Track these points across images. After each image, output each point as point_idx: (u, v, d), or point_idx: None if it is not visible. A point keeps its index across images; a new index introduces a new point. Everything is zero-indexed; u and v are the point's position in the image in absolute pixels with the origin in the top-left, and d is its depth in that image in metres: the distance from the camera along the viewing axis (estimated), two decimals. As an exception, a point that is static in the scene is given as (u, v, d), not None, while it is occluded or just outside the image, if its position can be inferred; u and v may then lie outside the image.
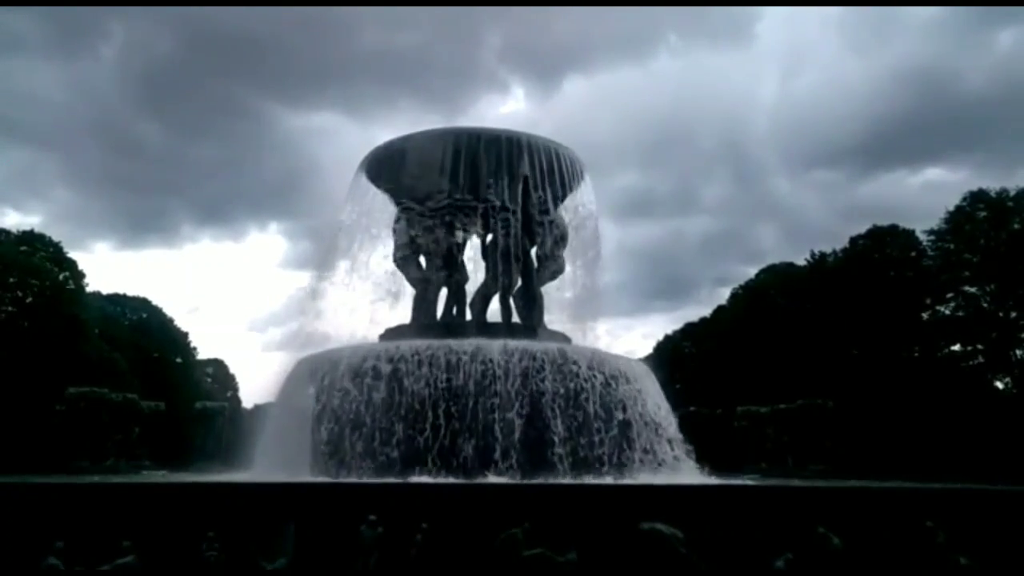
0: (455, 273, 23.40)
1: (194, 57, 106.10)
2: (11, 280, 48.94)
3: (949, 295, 48.27)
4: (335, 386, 18.95)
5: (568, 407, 18.53)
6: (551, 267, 23.58)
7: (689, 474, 20.32)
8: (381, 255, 23.91)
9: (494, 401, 17.93)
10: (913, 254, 52.23)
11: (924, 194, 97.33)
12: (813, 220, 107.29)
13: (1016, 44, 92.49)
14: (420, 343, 19.24)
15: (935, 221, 49.79)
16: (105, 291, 64.84)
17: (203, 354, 76.99)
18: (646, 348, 72.99)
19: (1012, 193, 46.58)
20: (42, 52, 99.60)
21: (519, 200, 22.49)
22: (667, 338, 74.08)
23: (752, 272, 67.06)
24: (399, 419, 17.99)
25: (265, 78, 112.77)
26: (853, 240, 54.89)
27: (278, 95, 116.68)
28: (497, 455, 17.39)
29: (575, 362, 19.13)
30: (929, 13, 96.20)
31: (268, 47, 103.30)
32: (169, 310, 70.07)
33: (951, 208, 48.75)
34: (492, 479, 16.60)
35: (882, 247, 53.28)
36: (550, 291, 23.99)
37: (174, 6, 78.49)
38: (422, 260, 23.46)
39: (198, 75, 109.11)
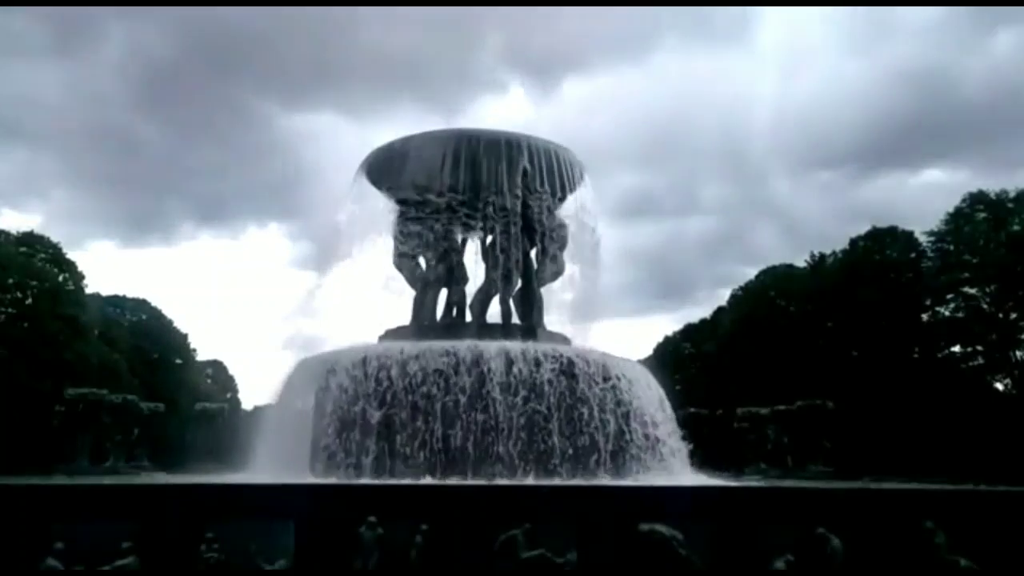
0: (455, 274, 23.41)
1: (193, 58, 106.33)
2: (10, 281, 48.95)
3: (949, 296, 48.30)
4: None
5: (569, 410, 18.43)
6: (551, 268, 23.59)
7: (688, 475, 20.29)
8: (381, 256, 23.94)
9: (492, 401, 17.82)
10: (913, 255, 52.27)
11: (923, 195, 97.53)
12: (812, 221, 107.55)
13: (1015, 45, 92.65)
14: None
15: (934, 222, 49.86)
16: (104, 292, 64.87)
17: (203, 355, 77.03)
18: (646, 349, 73.01)
19: (1012, 194, 46.63)
20: (41, 53, 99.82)
21: (519, 201, 22.50)
22: (667, 339, 74.12)
23: (751, 273, 67.13)
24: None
25: (263, 78, 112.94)
26: (853, 241, 54.96)
27: (276, 95, 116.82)
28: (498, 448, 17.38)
29: (576, 365, 19.02)
30: (928, 14, 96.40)
31: (266, 47, 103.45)
32: (169, 311, 70.08)
33: (951, 209, 48.77)
34: (492, 481, 16.58)
35: (882, 248, 53.34)
36: (552, 290, 23.98)
37: (173, 6, 78.55)
38: (422, 261, 23.48)
39: (197, 76, 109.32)
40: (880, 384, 46.36)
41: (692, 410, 39.53)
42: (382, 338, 22.49)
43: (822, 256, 58.65)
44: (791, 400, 36.92)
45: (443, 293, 23.57)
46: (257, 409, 32.98)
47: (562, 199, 23.95)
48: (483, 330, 21.62)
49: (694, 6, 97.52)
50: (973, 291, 47.19)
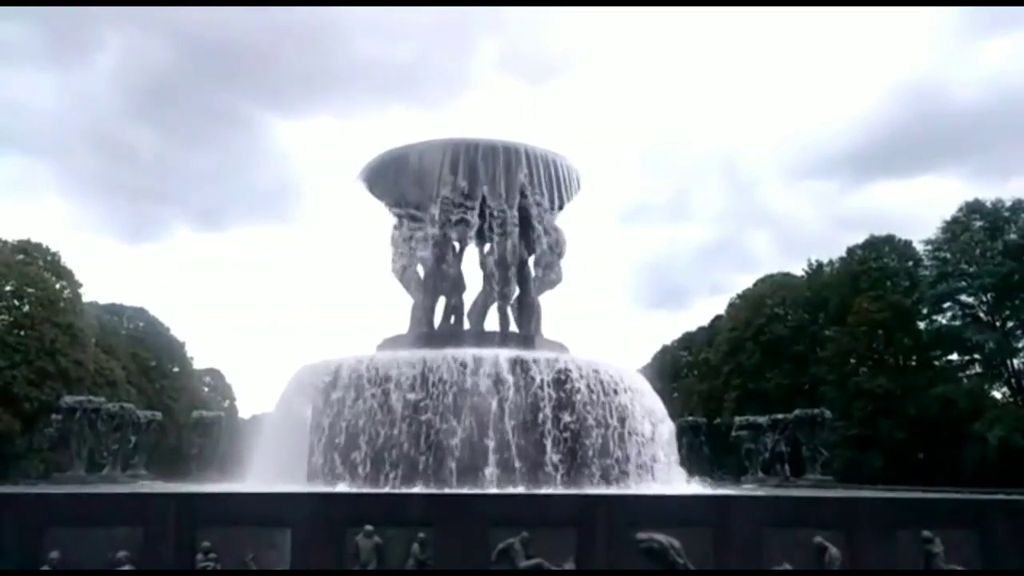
0: (453, 282, 23.39)
1: (188, 65, 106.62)
2: (7, 289, 48.90)
3: (946, 305, 48.42)
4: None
5: (565, 418, 18.38)
6: (549, 276, 23.61)
7: (686, 484, 20.24)
8: (379, 264, 23.98)
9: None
10: (910, 264, 52.42)
11: (918, 204, 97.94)
12: (807, 229, 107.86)
13: (1007, 54, 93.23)
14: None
15: (930, 231, 50.10)
16: (102, 299, 64.81)
17: (200, 363, 76.92)
18: (644, 357, 72.98)
19: (1008, 203, 46.86)
20: (37, 62, 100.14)
21: (517, 209, 22.55)
22: (665, 348, 74.14)
23: (747, 281, 67.21)
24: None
25: (259, 86, 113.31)
26: (850, 250, 55.14)
27: (272, 101, 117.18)
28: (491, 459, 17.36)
29: (572, 374, 18.97)
30: (922, 23, 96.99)
31: (261, 54, 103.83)
32: (166, 319, 70.00)
33: (947, 218, 48.99)
34: (489, 490, 16.52)
35: (879, 257, 53.51)
36: (549, 298, 24.03)
37: (168, 6, 78.68)
38: (420, 269, 23.49)
39: (192, 83, 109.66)
40: (878, 393, 46.38)
41: (690, 418, 39.53)
42: (380, 347, 22.46)
43: (819, 264, 58.78)
44: (789, 409, 36.91)
45: (441, 301, 23.58)
46: (255, 417, 32.88)
47: (560, 206, 24.01)
48: (481, 338, 21.60)
49: (693, 6, 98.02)
50: (970, 300, 47.31)
